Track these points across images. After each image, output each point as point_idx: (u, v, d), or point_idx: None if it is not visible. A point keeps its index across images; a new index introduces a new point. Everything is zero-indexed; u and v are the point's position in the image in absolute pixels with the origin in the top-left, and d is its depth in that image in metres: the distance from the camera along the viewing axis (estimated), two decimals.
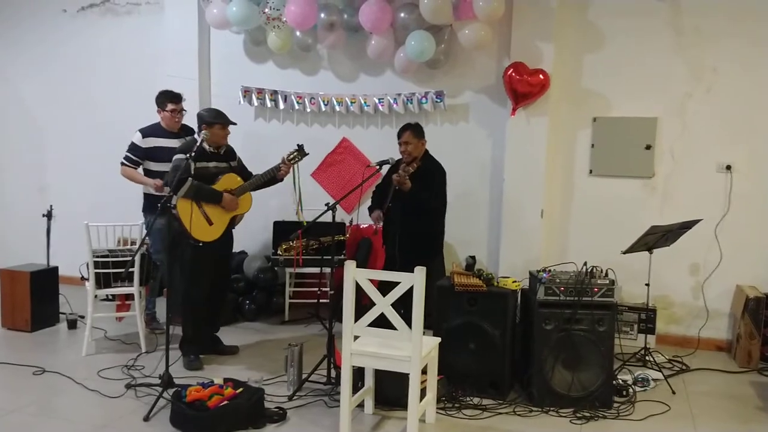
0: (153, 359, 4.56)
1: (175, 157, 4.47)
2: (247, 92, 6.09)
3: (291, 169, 4.67)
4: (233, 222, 4.70)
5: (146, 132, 5.22)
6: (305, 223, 5.21)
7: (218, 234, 4.51)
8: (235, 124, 4.68)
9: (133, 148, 5.20)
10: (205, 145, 4.50)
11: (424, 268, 3.28)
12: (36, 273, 5.36)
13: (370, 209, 4.97)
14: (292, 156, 4.65)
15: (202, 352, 4.73)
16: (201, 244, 4.37)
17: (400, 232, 4.69)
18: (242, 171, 4.76)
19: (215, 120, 4.52)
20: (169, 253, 4.50)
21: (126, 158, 5.22)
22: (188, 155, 4.32)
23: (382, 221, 4.79)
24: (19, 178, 7.19)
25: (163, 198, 4.04)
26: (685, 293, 5.32)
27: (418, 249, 4.67)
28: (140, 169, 5.26)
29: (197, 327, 4.59)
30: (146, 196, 5.28)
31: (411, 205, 4.65)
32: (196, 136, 4.59)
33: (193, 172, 4.36)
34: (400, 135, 4.80)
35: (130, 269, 4.70)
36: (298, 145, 4.71)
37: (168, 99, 5.20)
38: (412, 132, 4.75)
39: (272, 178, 4.65)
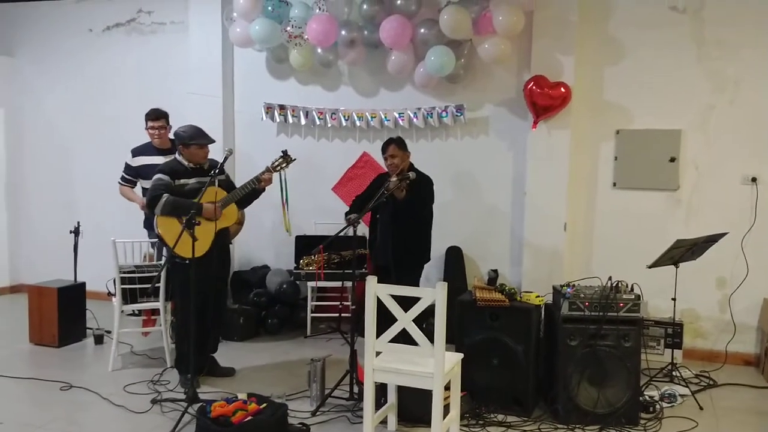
0: (178, 374, 4.59)
1: (155, 176, 4.41)
2: (269, 108, 6.16)
3: (277, 176, 4.60)
4: (225, 237, 4.61)
5: (136, 151, 5.45)
6: (288, 231, 5.31)
7: (204, 249, 4.29)
8: (213, 141, 4.54)
9: (125, 167, 5.49)
10: (185, 162, 4.46)
11: (446, 283, 3.28)
12: (63, 289, 5.44)
13: (347, 214, 4.81)
14: (277, 163, 4.62)
15: (198, 372, 4.53)
16: (187, 262, 4.14)
17: (393, 241, 4.71)
18: (229, 187, 4.62)
19: (191, 141, 4.40)
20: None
21: (121, 178, 5.53)
22: (167, 175, 4.32)
23: (353, 220, 4.55)
24: (45, 195, 7.33)
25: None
26: (711, 307, 5.25)
27: (410, 257, 4.76)
28: (138, 187, 5.48)
29: (191, 345, 4.21)
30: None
31: (403, 214, 4.67)
32: (176, 154, 4.53)
33: (173, 189, 4.32)
34: (385, 149, 4.85)
35: (157, 284, 4.75)
36: (282, 151, 4.65)
37: (147, 118, 5.37)
38: (397, 145, 4.81)
39: (256, 187, 4.52)
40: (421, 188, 4.74)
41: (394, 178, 4.62)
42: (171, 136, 5.43)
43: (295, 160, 4.73)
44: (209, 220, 4.36)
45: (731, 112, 5.13)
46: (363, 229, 5.66)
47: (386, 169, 4.99)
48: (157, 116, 5.34)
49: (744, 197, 5.11)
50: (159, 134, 5.36)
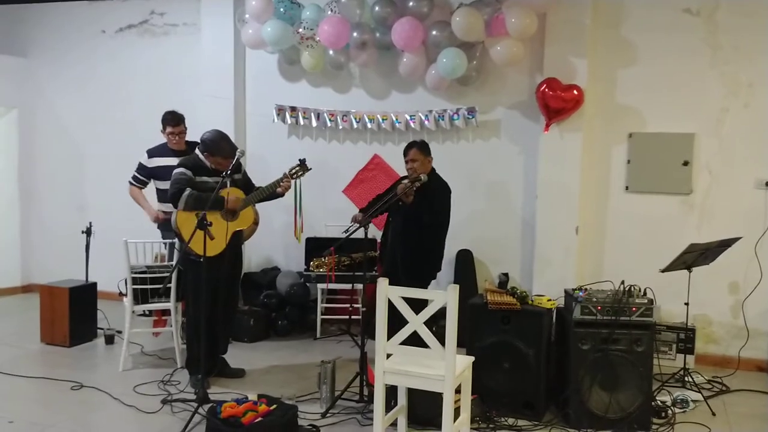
0: (188, 375, 4.59)
1: (175, 171, 4.42)
2: (280, 110, 6.17)
3: (293, 184, 4.61)
4: (239, 238, 4.61)
5: (152, 152, 5.44)
6: (298, 239, 5.46)
7: (220, 248, 4.31)
8: (236, 153, 4.44)
9: (139, 167, 5.46)
10: (206, 162, 4.46)
11: (458, 285, 3.27)
12: (75, 289, 5.46)
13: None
14: (294, 170, 4.61)
15: (208, 373, 4.50)
16: (201, 259, 4.09)
17: (401, 247, 4.68)
18: (246, 184, 4.65)
19: (218, 153, 4.41)
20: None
21: (133, 177, 5.49)
22: (189, 170, 4.34)
23: (360, 222, 4.50)
24: (57, 195, 7.37)
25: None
26: (724, 312, 5.20)
27: (418, 265, 4.68)
28: (151, 188, 5.48)
29: (201, 346, 4.19)
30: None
31: (412, 220, 4.62)
32: (196, 151, 4.52)
33: (195, 184, 4.34)
34: (406, 152, 4.78)
35: (168, 285, 4.76)
36: (300, 159, 4.64)
37: (165, 123, 5.35)
38: (419, 149, 4.73)
39: (274, 192, 4.53)
40: (436, 195, 4.67)
41: (406, 182, 4.60)
42: (187, 138, 5.46)
43: (311, 169, 4.71)
44: (230, 212, 4.38)
45: (745, 116, 5.09)
46: (375, 232, 5.66)
47: (405, 173, 4.90)
48: (177, 122, 5.32)
49: (758, 201, 5.07)
50: (178, 140, 5.37)
